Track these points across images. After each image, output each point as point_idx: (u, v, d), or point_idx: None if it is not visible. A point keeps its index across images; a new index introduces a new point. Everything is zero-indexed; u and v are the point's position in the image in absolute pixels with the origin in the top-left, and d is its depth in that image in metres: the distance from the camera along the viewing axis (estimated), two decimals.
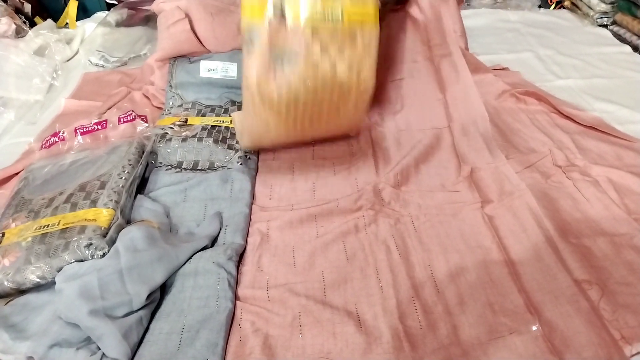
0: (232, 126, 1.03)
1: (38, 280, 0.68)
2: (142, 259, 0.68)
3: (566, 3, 1.67)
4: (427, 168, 0.95)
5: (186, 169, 0.94)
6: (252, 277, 0.74)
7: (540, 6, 1.70)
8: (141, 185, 0.90)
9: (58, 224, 0.73)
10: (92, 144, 0.96)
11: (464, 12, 1.33)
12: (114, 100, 1.19)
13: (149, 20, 1.52)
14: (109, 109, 1.15)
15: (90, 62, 1.42)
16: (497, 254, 0.75)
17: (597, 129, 1.00)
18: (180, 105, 1.10)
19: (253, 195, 0.89)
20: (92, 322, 0.60)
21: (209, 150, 0.96)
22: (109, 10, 1.63)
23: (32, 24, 1.52)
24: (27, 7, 1.55)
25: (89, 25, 1.55)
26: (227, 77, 1.12)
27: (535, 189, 0.85)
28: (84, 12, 1.68)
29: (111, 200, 0.77)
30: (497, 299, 0.69)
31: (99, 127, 1.00)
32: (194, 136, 0.98)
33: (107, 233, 0.73)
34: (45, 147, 0.97)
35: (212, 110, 1.08)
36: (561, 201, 0.84)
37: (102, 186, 0.80)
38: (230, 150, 0.96)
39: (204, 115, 1.06)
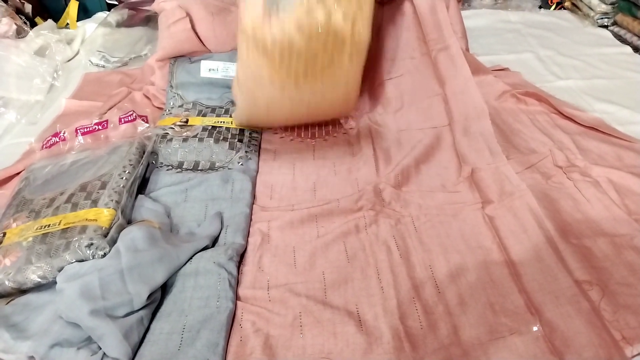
0: (233, 126, 1.03)
1: (39, 280, 0.68)
2: (143, 259, 0.68)
3: (566, 4, 1.67)
4: (427, 168, 0.95)
5: (187, 169, 0.94)
6: (253, 277, 0.74)
7: (540, 7, 1.71)
8: (142, 186, 0.90)
9: (59, 224, 0.73)
10: (93, 144, 0.96)
11: (464, 13, 1.33)
12: (115, 100, 1.19)
13: (150, 20, 1.52)
14: (110, 109, 1.15)
15: (91, 62, 1.42)
16: (498, 255, 0.75)
17: (597, 129, 1.00)
18: (181, 106, 1.10)
19: (254, 196, 0.90)
20: (93, 321, 0.60)
21: (209, 151, 0.96)
22: (109, 10, 1.63)
23: (33, 25, 1.52)
24: (28, 8, 1.55)
25: (90, 26, 1.56)
26: (228, 77, 1.12)
27: (535, 190, 0.85)
28: (84, 13, 1.68)
29: (112, 200, 0.77)
30: (497, 300, 0.69)
31: (100, 127, 1.00)
32: (195, 136, 0.98)
33: (108, 233, 0.73)
34: (46, 147, 0.97)
35: (213, 110, 1.08)
36: (562, 202, 0.84)
37: (103, 186, 0.80)
38: (231, 151, 0.96)
39: (204, 115, 1.06)
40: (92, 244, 0.69)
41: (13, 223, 0.76)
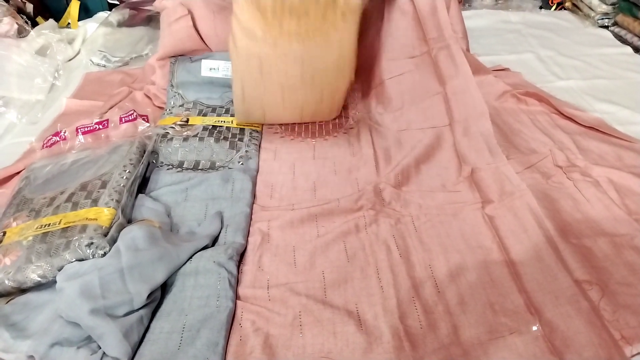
0: (234, 126, 1.03)
1: (39, 279, 0.68)
2: (143, 258, 0.68)
3: (567, 4, 1.67)
4: (427, 168, 0.95)
5: (187, 169, 0.94)
6: (253, 277, 0.74)
7: (541, 7, 1.71)
8: (142, 185, 0.90)
9: (59, 223, 0.73)
10: (94, 144, 0.96)
11: (464, 13, 1.33)
12: (116, 100, 1.19)
13: (151, 20, 1.52)
14: (111, 108, 1.15)
15: (92, 62, 1.42)
16: (498, 254, 0.75)
17: (597, 129, 1.01)
18: (182, 105, 1.10)
19: (254, 195, 0.90)
20: (93, 321, 0.60)
21: (210, 150, 0.96)
22: (110, 10, 1.63)
23: (34, 24, 1.53)
24: (29, 7, 1.56)
25: (91, 25, 1.56)
26: (229, 76, 1.12)
27: (535, 190, 0.85)
28: (85, 12, 1.69)
29: (112, 199, 0.77)
30: (497, 299, 0.69)
31: (101, 126, 1.00)
32: (195, 136, 0.98)
33: (108, 232, 0.73)
34: (46, 147, 0.97)
35: (213, 110, 1.09)
36: (562, 201, 0.84)
37: (104, 185, 0.80)
38: (232, 150, 0.97)
39: (205, 115, 1.06)
40: (92, 243, 0.69)
41: (13, 222, 0.76)
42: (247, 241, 0.80)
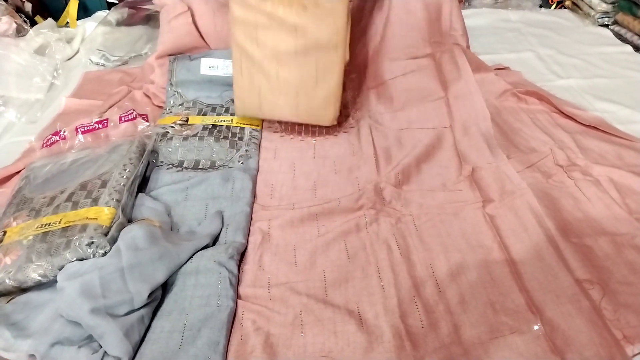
0: (233, 125, 1.03)
1: (39, 278, 0.68)
2: (144, 258, 0.68)
3: (567, 3, 1.67)
4: (428, 167, 0.95)
5: (187, 168, 0.94)
6: (254, 276, 0.74)
7: (541, 6, 1.71)
8: (142, 184, 0.90)
9: (59, 223, 0.73)
10: (93, 143, 0.96)
11: (464, 12, 1.33)
12: (115, 99, 1.18)
13: (150, 19, 1.52)
14: (110, 107, 1.15)
15: (91, 61, 1.42)
16: (498, 254, 0.75)
17: (598, 128, 1.00)
18: (181, 104, 1.10)
19: (254, 194, 0.89)
20: (94, 320, 0.60)
21: (210, 149, 0.96)
22: (109, 9, 1.63)
23: (33, 23, 1.52)
24: (28, 6, 1.55)
25: (90, 25, 1.56)
26: (228, 74, 1.11)
27: (536, 189, 0.85)
28: (84, 11, 1.68)
29: (112, 199, 0.77)
30: (498, 298, 0.69)
31: (100, 126, 1.00)
32: (195, 135, 0.98)
33: (108, 232, 0.72)
34: (46, 146, 0.97)
35: (213, 109, 1.08)
36: (562, 201, 0.84)
37: (104, 185, 0.80)
38: (232, 149, 0.96)
39: (204, 114, 1.06)
40: (92, 242, 0.69)
41: (13, 222, 0.76)
42: (247, 240, 0.80)
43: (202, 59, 1.13)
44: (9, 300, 0.68)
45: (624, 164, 0.90)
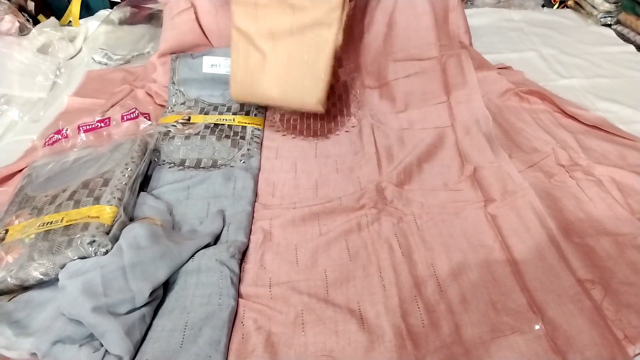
0: (235, 124, 1.03)
1: (41, 276, 0.68)
2: (145, 256, 0.68)
3: (570, 2, 1.66)
4: (429, 167, 0.94)
5: (189, 167, 0.94)
6: (255, 275, 0.74)
7: (543, 5, 1.70)
8: (144, 183, 0.90)
9: (61, 221, 0.73)
10: (95, 142, 0.96)
11: (467, 11, 1.32)
12: (117, 98, 1.19)
13: (152, 18, 1.52)
14: (112, 106, 1.15)
15: (94, 60, 1.42)
16: (500, 253, 0.75)
17: (600, 128, 1.00)
18: (183, 103, 1.10)
19: (256, 193, 0.89)
20: (95, 318, 0.60)
21: (212, 148, 0.96)
22: (112, 8, 1.63)
23: (36, 22, 1.53)
24: (31, 5, 1.56)
25: (92, 23, 1.56)
26: (230, 72, 1.11)
27: (538, 188, 0.84)
28: (87, 10, 1.69)
29: (114, 197, 0.77)
30: (499, 298, 0.68)
31: (102, 124, 1.00)
32: (197, 134, 0.98)
33: (110, 230, 0.73)
34: (48, 145, 0.97)
35: (215, 108, 1.08)
36: (564, 200, 0.84)
37: (105, 183, 0.80)
38: (233, 148, 0.97)
39: (207, 113, 1.06)
40: (94, 241, 0.69)
41: (15, 220, 0.76)
42: (249, 239, 0.80)
43: (204, 57, 1.13)
44: (11, 299, 0.69)
45: (627, 164, 0.90)
